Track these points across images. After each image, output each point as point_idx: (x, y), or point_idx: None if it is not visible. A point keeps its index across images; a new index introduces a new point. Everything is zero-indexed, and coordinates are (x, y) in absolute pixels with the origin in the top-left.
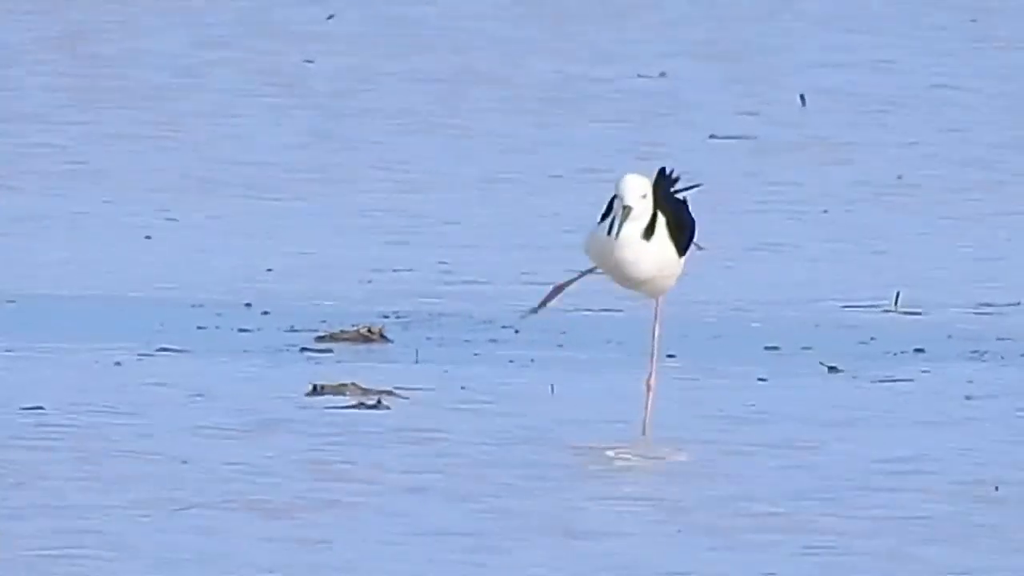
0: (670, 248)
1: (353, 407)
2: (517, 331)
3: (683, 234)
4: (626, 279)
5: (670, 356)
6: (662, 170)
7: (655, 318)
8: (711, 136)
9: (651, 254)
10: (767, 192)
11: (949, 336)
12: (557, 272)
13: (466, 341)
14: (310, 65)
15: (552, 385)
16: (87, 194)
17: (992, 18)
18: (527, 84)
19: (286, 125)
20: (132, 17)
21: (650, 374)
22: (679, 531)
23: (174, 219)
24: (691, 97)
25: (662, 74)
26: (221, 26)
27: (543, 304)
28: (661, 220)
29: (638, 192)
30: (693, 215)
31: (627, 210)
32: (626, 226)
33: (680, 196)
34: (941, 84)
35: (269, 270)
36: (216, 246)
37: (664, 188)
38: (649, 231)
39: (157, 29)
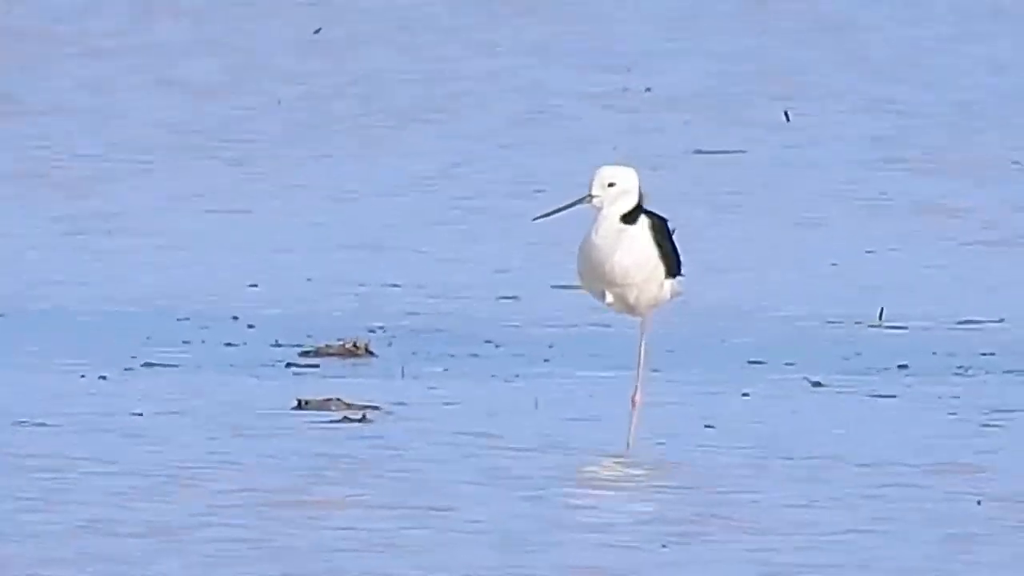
0: (652, 247)
1: (338, 422)
2: (498, 346)
3: (667, 243)
4: (607, 266)
5: (655, 371)
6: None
7: (641, 334)
8: (696, 151)
9: (630, 238)
10: (750, 206)
11: (933, 352)
12: (542, 288)
13: (451, 356)
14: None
15: (536, 399)
16: (73, 207)
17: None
18: (511, 98)
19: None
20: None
21: (635, 389)
22: (664, 546)
23: (161, 232)
24: (676, 111)
25: (648, 89)
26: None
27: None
28: (645, 221)
29: (602, 181)
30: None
31: (585, 197)
32: (605, 208)
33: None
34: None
35: (254, 285)
36: (202, 260)
37: (655, 215)
38: (629, 218)
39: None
